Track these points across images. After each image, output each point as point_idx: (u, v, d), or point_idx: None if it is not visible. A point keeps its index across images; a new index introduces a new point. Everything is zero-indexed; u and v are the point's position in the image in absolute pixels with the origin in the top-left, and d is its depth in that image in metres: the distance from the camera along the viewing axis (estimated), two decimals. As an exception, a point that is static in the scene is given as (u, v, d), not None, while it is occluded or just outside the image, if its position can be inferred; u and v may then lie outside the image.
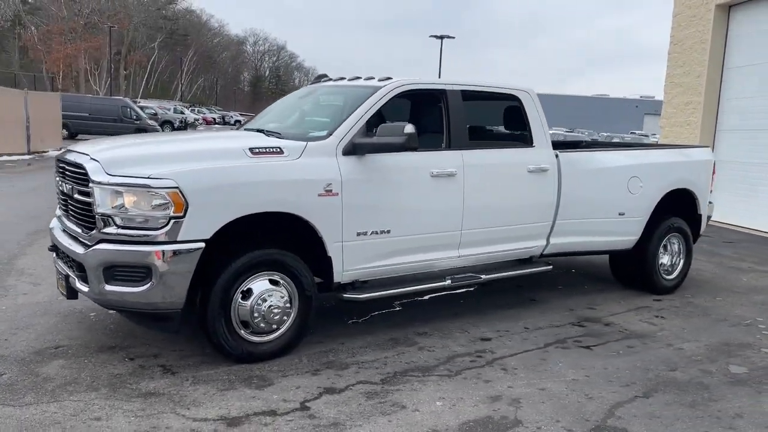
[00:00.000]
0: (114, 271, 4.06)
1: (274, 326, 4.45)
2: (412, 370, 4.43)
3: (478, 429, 3.61)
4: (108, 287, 4.07)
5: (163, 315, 4.20)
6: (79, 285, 4.28)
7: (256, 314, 4.36)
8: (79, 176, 4.30)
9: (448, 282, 5.35)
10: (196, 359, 4.44)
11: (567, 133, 38.48)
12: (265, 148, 4.47)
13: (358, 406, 3.83)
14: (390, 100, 5.11)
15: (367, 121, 4.87)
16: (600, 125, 58.39)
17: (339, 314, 5.59)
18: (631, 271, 6.83)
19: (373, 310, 5.73)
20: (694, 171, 6.92)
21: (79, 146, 4.76)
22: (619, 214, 6.30)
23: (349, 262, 4.77)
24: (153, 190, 3.99)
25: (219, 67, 75.12)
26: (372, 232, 4.83)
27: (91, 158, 4.27)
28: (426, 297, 6.25)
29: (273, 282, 4.45)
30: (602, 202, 6.20)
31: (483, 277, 5.56)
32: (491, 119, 6.45)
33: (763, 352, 5.11)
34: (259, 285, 4.39)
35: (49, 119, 22.75)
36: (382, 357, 4.66)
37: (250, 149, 4.40)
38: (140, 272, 4.04)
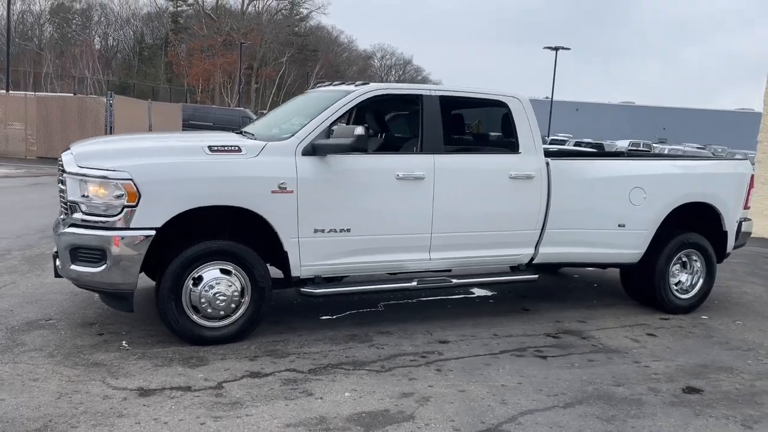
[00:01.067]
0: (78, 253, 4.53)
1: (222, 312, 4.75)
2: (346, 364, 4.55)
3: (366, 420, 3.69)
4: (73, 267, 4.55)
5: (119, 294, 4.62)
6: (57, 264, 4.80)
7: (203, 300, 4.67)
8: (60, 168, 4.83)
9: (414, 283, 5.40)
10: (156, 339, 4.82)
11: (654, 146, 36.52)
12: (224, 146, 4.79)
13: (269, 390, 4.02)
14: (361, 104, 5.27)
15: (331, 124, 5.06)
16: (737, 141, 54.34)
17: (321, 310, 5.78)
18: (638, 286, 6.48)
19: (354, 308, 5.88)
20: (719, 184, 6.45)
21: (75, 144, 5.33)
22: (619, 226, 6.03)
23: (306, 257, 4.98)
24: (110, 180, 4.43)
25: (345, 80, 77.77)
26: (330, 230, 5.00)
27: (70, 152, 4.80)
28: (414, 300, 6.31)
29: (225, 271, 4.75)
30: (599, 213, 5.97)
31: (454, 281, 5.55)
32: (490, 126, 6.41)
33: (741, 377, 4.72)
34: (209, 273, 4.70)
35: (170, 127, 24.75)
36: (326, 350, 4.81)
37: (209, 147, 4.74)
38: (97, 254, 4.48)
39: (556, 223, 5.84)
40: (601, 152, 8.65)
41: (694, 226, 6.47)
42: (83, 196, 4.50)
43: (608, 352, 5.10)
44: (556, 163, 5.85)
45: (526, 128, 5.79)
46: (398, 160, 5.32)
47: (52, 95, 24.52)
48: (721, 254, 6.65)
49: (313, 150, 4.94)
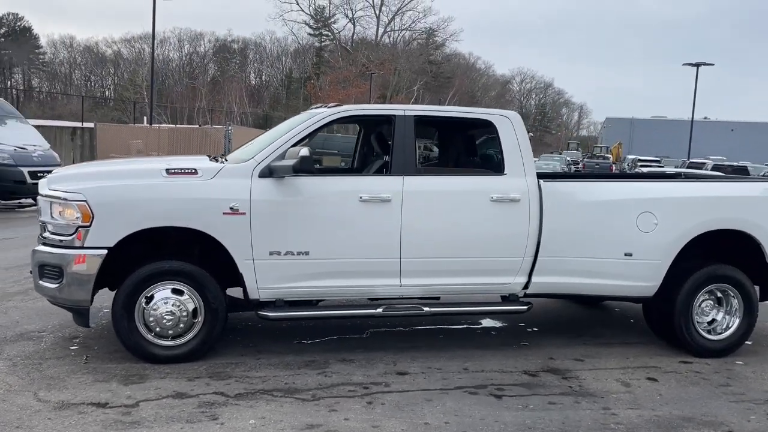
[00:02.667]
0: (44, 270, 4.80)
1: (170, 332, 4.78)
2: (279, 390, 4.39)
3: (245, 450, 3.52)
4: (40, 282, 4.82)
5: (76, 310, 4.82)
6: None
7: (151, 319, 4.74)
8: (40, 191, 5.17)
9: (380, 310, 5.13)
10: (120, 355, 4.94)
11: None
12: (181, 169, 4.87)
13: (179, 412, 3.98)
14: (328, 126, 5.15)
15: (294, 145, 4.98)
16: None
17: (300, 334, 5.67)
18: (659, 324, 5.71)
19: (338, 334, 5.70)
20: (755, 209, 5.55)
21: (72, 167, 5.67)
22: (626, 255, 5.36)
23: (263, 280, 4.91)
24: (69, 202, 4.65)
25: (480, 105, 77.49)
26: (287, 253, 4.90)
27: (47, 175, 5.11)
28: (407, 328, 6.00)
29: (177, 291, 4.80)
30: (601, 240, 5.35)
31: (426, 309, 5.20)
32: (474, 146, 6.02)
33: (726, 436, 3.97)
34: (161, 293, 4.77)
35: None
36: (271, 375, 4.68)
37: (167, 170, 4.84)
38: (56, 272, 4.71)
39: (551, 250, 5.31)
40: (604, 174, 7.78)
41: (730, 257, 5.61)
42: (51, 216, 4.77)
43: (580, 396, 4.51)
44: (548, 186, 5.34)
45: (514, 149, 5.34)
46: (363, 182, 5.13)
47: (180, 127, 26.71)
48: (766, 291, 5.70)
49: (269, 172, 4.89)
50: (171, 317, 4.75)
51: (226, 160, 5.28)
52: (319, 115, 5.18)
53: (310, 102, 63.12)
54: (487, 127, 5.46)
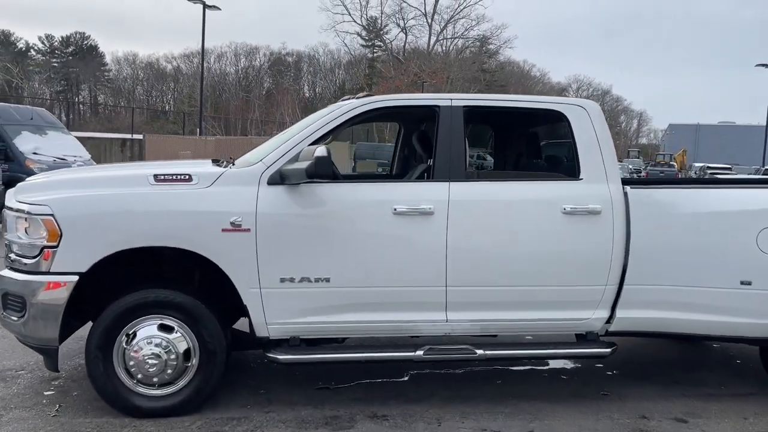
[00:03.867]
0: (7, 299, 3.88)
1: (155, 379, 3.78)
2: (284, 463, 3.33)
3: None
4: (4, 313, 3.91)
5: (44, 350, 3.88)
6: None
7: (132, 363, 3.75)
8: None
9: (420, 353, 4.01)
10: (99, 404, 3.97)
11: None
12: (171, 175, 3.88)
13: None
14: (354, 121, 4.09)
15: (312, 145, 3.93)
16: None
17: (325, 377, 4.60)
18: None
19: (370, 377, 4.60)
20: None
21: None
22: (742, 283, 4.09)
23: (273, 313, 3.87)
24: (33, 216, 3.73)
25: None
26: (303, 280, 3.85)
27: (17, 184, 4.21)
28: (457, 370, 4.85)
29: (165, 328, 3.80)
30: (707, 263, 4.10)
31: (480, 352, 4.04)
32: (541, 145, 4.84)
33: None
34: (145, 330, 3.78)
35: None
36: (279, 438, 3.63)
37: (154, 176, 3.86)
38: (19, 302, 3.78)
39: (640, 275, 4.10)
40: (716, 179, 6.41)
41: None
42: (16, 234, 3.86)
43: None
44: (638, 193, 4.14)
45: (592, 147, 4.16)
46: (398, 190, 4.04)
47: (228, 138, 26.18)
48: None
49: (281, 178, 3.86)
50: (155, 361, 3.74)
51: (233, 165, 4.29)
52: (344, 107, 4.13)
53: (362, 112, 62.49)
54: (558, 120, 4.30)
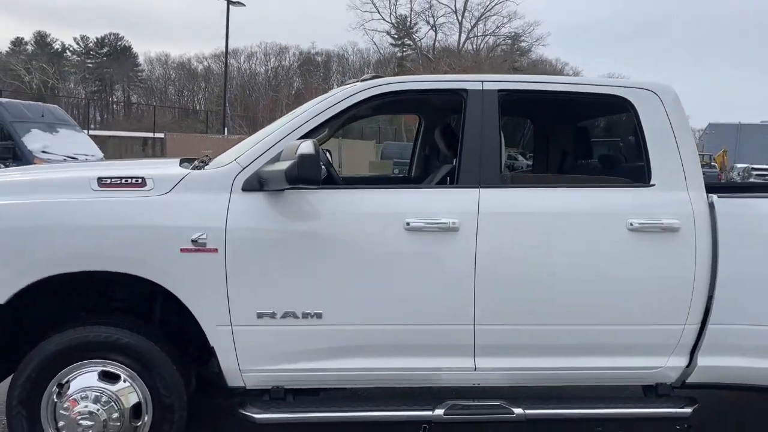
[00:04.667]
0: None
1: (92, 443, 2.90)
2: None
3: None
4: None
5: (-44, 402, 3.03)
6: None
7: (62, 423, 2.88)
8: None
9: (440, 413, 3.05)
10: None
11: None
12: (120, 178, 2.99)
13: None
14: (356, 109, 3.16)
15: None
16: None
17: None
18: None
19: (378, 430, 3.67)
20: None
21: None
22: None
23: (248, 358, 2.97)
24: (-60, 232, 2.88)
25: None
26: (287, 314, 2.95)
27: None
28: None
29: (109, 376, 2.92)
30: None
31: (518, 411, 3.07)
32: (598, 141, 3.84)
33: None
34: (82, 378, 2.90)
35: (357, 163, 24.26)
36: None
37: (98, 179, 2.98)
38: (-77, 341, 2.95)
39: (731, 313, 3.10)
40: None
41: None
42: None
43: None
44: (728, 204, 3.13)
45: (668, 143, 3.17)
46: (411, 199, 3.10)
47: (247, 137, 25.55)
48: None
49: (259, 183, 2.96)
50: (90, 423, 2.86)
51: (202, 164, 3.38)
52: (344, 90, 3.20)
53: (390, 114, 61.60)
54: (619, 108, 3.34)
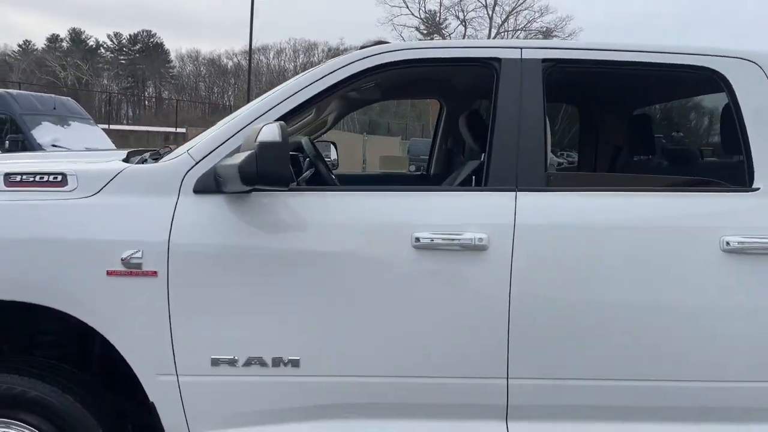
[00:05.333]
0: None
1: None
2: None
3: None
4: None
5: None
6: None
7: (-51, 503, 2.13)
8: None
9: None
10: None
11: None
12: (33, 174, 2.22)
13: None
14: (348, 81, 2.32)
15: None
16: None
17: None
18: None
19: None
20: None
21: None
22: None
23: (200, 419, 2.18)
24: None
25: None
26: (252, 361, 2.15)
27: None
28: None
29: (17, 439, 2.16)
30: None
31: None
32: (678, 129, 2.94)
33: None
34: (-18, 443, 2.15)
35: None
36: None
37: (5, 176, 2.22)
38: None
39: None
40: None
41: None
42: None
43: None
44: None
45: (776, 130, 2.29)
46: (424, 206, 2.26)
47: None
48: None
49: (217, 183, 2.16)
50: (-18, 506, 2.11)
51: (157, 156, 2.59)
52: (337, 60, 2.38)
53: (418, 109, 60.69)
54: (705, 84, 2.46)
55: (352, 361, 2.17)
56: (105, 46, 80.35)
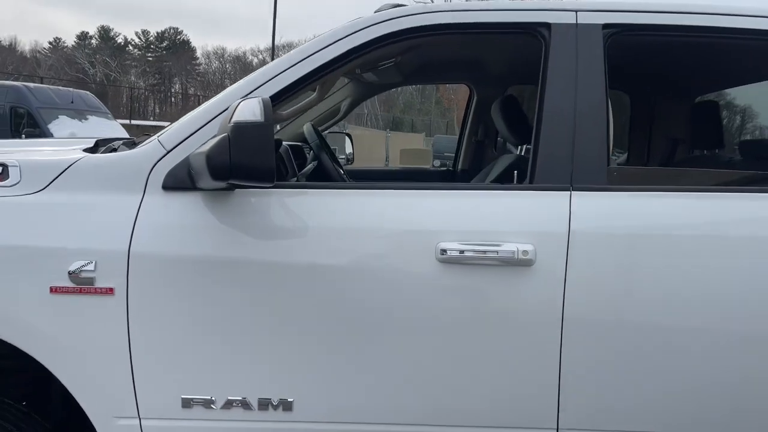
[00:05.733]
0: None
1: None
2: None
3: None
4: None
5: None
6: None
7: None
8: None
9: None
10: None
11: None
12: (-31, 166, 1.79)
13: None
14: (354, 54, 1.83)
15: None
16: None
17: None
18: None
19: None
20: None
21: None
22: None
23: (168, 471, 1.73)
24: None
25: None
26: (232, 403, 1.69)
27: None
28: None
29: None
30: None
31: None
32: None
33: None
34: None
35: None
36: None
37: (-63, 169, 1.79)
38: None
39: None
40: None
41: None
42: None
43: None
44: None
45: None
46: (449, 207, 1.77)
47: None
48: None
49: (191, 177, 1.70)
50: None
51: (132, 144, 2.14)
52: (350, 25, 1.89)
53: (442, 106, 60.10)
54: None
55: (359, 405, 1.70)
56: (133, 43, 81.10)
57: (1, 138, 10.84)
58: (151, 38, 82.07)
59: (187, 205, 1.69)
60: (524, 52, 1.97)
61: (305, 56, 1.81)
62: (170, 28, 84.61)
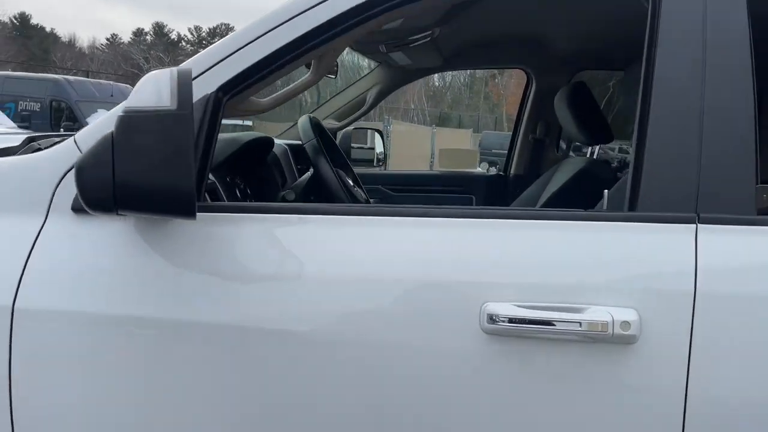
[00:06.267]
0: None
1: None
2: None
3: None
4: None
5: None
6: None
7: None
8: None
9: None
10: None
11: None
12: None
13: None
14: (352, 13, 1.23)
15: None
16: None
17: None
18: None
19: None
20: None
21: None
22: None
23: None
24: None
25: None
26: None
27: None
28: None
29: None
30: None
31: None
32: None
33: None
34: None
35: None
36: None
37: None
38: None
39: None
40: None
41: None
42: None
43: None
44: None
45: None
46: (498, 246, 1.14)
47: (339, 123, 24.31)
48: None
49: (116, 200, 1.12)
50: None
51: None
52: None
53: (491, 101, 59.00)
54: None
55: None
56: (186, 39, 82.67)
57: (41, 131, 10.69)
58: (203, 34, 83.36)
59: (105, 234, 1.12)
60: (606, 23, 1.33)
61: (296, 13, 1.21)
62: (222, 24, 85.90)
